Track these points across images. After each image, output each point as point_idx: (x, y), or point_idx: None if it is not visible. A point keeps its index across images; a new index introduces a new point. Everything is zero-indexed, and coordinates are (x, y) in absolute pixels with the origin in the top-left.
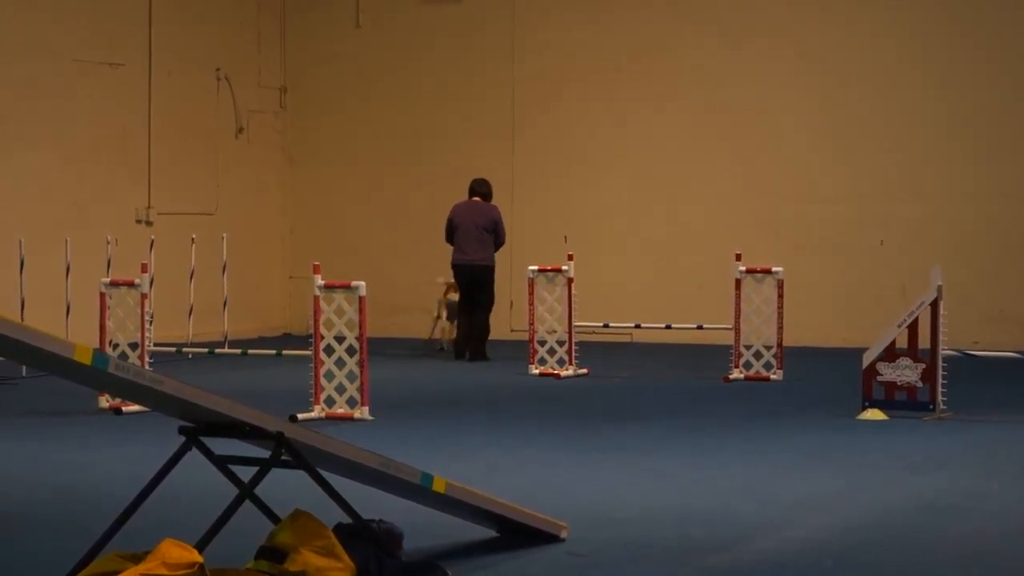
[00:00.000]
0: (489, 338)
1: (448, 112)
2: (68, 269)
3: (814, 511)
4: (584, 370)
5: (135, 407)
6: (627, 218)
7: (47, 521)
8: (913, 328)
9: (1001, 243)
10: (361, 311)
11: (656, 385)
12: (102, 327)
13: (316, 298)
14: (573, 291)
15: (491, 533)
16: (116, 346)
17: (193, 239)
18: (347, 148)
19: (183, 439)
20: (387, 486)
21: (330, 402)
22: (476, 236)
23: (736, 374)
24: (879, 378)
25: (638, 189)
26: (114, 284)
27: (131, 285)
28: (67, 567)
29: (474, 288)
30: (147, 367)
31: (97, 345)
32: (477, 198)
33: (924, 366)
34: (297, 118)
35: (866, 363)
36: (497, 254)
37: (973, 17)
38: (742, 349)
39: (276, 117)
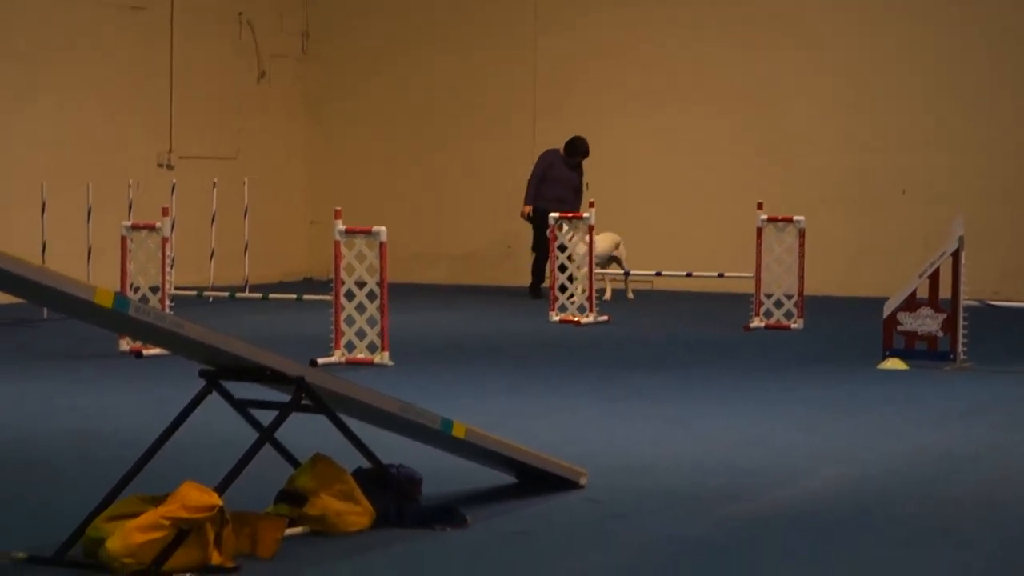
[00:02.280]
0: (538, 282)
1: (471, 59)
2: (90, 212)
3: (832, 461)
4: (605, 317)
5: (155, 350)
6: (649, 165)
7: (67, 464)
8: (934, 278)
9: (1023, 194)
10: (382, 256)
11: (676, 333)
12: (123, 270)
13: (337, 243)
14: (594, 238)
15: (510, 479)
16: (137, 289)
17: (215, 183)
18: (369, 94)
19: (203, 382)
20: (407, 431)
21: (350, 347)
22: None
23: (757, 323)
24: (900, 328)
25: (660, 137)
26: (135, 228)
27: (152, 229)
28: (87, 509)
29: None
30: (168, 310)
31: (118, 288)
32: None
33: (945, 316)
34: (319, 63)
35: (887, 313)
36: (546, 201)
37: None
38: (763, 298)
39: (298, 62)
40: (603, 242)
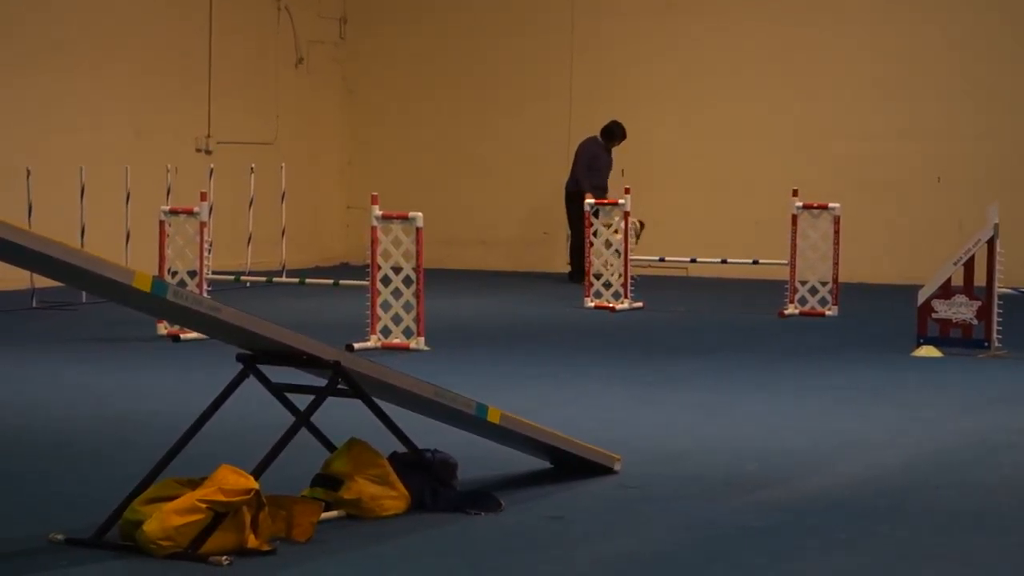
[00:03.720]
0: (577, 267)
1: (508, 45)
2: (128, 197)
3: (867, 448)
4: (639, 304)
5: (193, 334)
6: (685, 152)
7: (105, 447)
8: (969, 266)
9: None
10: (418, 242)
11: (711, 319)
12: (161, 255)
13: (374, 228)
14: (630, 224)
15: (544, 464)
16: (175, 274)
17: (252, 168)
18: (406, 79)
19: (240, 366)
20: (442, 416)
21: (386, 332)
22: None
23: (791, 309)
24: (934, 315)
25: (696, 124)
26: (173, 212)
27: (190, 213)
28: (124, 492)
29: None
30: (205, 295)
31: (156, 272)
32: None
33: (979, 304)
34: (356, 49)
35: (921, 300)
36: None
37: None
38: (797, 284)
39: (336, 47)
40: None
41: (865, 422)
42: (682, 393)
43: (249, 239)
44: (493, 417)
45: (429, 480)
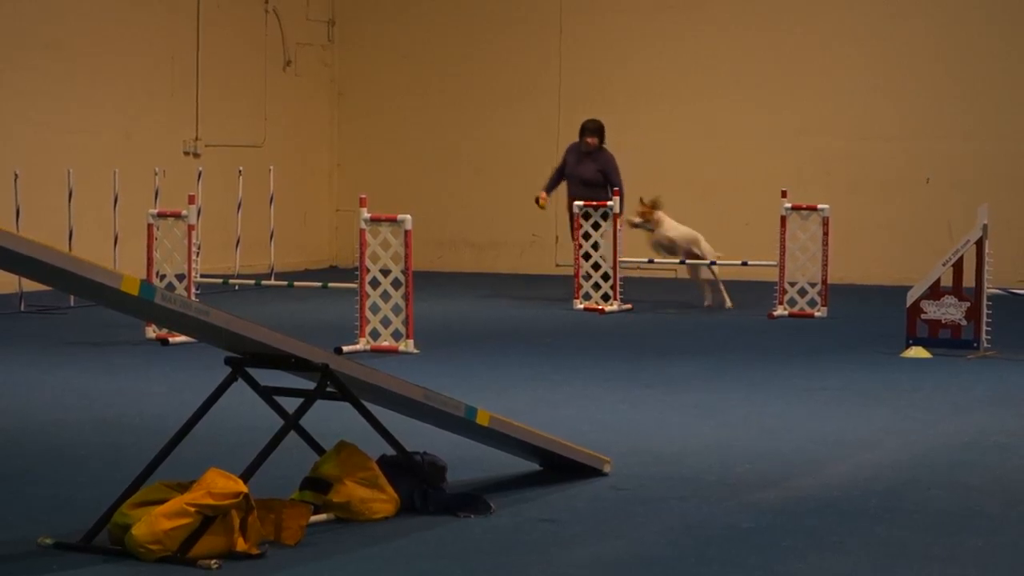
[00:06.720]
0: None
1: (495, 47)
2: (116, 200)
3: (858, 449)
4: (628, 305)
5: (182, 338)
6: (673, 153)
7: (94, 451)
8: (958, 266)
9: None
10: (407, 244)
11: (700, 321)
12: (149, 258)
13: (362, 231)
14: (619, 226)
15: (534, 467)
16: (163, 277)
17: (240, 171)
18: (394, 82)
19: (229, 370)
20: (431, 419)
21: (375, 335)
22: None
23: (780, 311)
24: (923, 316)
25: (685, 124)
26: (161, 215)
27: (178, 216)
28: (113, 496)
29: None
30: (194, 298)
31: (144, 276)
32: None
33: (969, 304)
34: (345, 51)
35: (910, 301)
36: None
37: None
38: (787, 286)
39: (324, 50)
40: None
41: (855, 423)
42: (673, 395)
43: (237, 242)
44: (482, 419)
45: (419, 483)
